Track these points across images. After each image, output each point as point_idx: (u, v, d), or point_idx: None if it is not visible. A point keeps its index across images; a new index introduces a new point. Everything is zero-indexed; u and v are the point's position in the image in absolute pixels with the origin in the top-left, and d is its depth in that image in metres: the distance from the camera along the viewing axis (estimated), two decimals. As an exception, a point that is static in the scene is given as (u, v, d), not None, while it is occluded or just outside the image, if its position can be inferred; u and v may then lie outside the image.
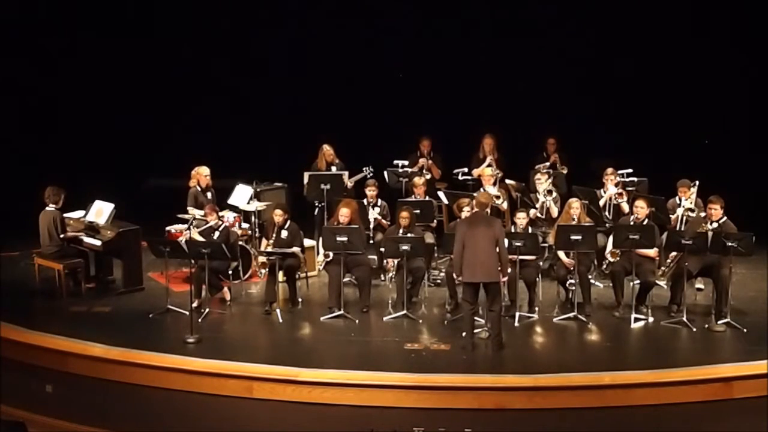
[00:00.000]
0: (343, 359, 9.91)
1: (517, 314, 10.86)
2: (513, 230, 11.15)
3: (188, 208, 12.07)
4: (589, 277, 11.31)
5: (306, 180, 12.65)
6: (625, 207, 11.75)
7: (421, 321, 11.00)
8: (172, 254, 10.86)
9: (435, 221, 12.36)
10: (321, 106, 14.67)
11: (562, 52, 14.44)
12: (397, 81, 15.07)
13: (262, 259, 11.31)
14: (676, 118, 14.24)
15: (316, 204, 12.67)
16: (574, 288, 10.99)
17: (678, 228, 11.33)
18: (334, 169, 12.86)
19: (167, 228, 12.17)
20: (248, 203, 12.39)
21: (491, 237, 10.01)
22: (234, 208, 12.42)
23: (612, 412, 9.27)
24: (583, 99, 14.37)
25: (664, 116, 14.29)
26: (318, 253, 11.92)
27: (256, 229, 12.34)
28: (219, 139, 14.61)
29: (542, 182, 12.14)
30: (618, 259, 10.92)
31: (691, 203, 11.43)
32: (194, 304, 10.70)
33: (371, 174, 12.65)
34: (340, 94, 14.69)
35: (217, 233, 11.28)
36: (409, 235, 11.12)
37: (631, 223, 10.99)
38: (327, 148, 12.97)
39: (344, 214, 11.20)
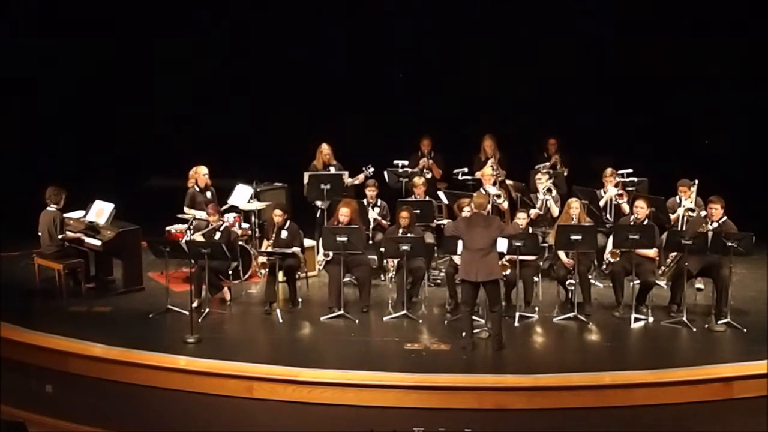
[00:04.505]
0: (343, 359, 9.92)
1: (517, 314, 10.86)
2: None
3: (185, 208, 12.07)
4: (589, 277, 11.32)
5: (306, 180, 12.65)
6: (626, 207, 11.75)
7: (421, 321, 11.00)
8: (172, 254, 10.87)
9: (435, 221, 12.35)
10: (321, 106, 14.66)
11: (563, 52, 14.43)
12: (397, 81, 15.08)
13: (262, 259, 11.30)
14: (676, 118, 14.23)
15: (319, 206, 12.66)
16: (574, 288, 10.99)
17: (678, 228, 11.34)
18: (332, 169, 12.85)
19: (167, 228, 12.18)
20: (248, 203, 12.38)
21: (489, 236, 10.02)
22: (234, 208, 12.42)
23: (612, 412, 9.27)
24: (583, 99, 14.37)
25: (665, 116, 14.29)
26: (318, 253, 11.92)
27: (256, 229, 12.34)
28: (219, 138, 14.61)
29: (542, 182, 12.15)
30: (618, 259, 10.92)
31: (691, 203, 11.43)
32: (194, 304, 10.70)
33: (372, 173, 12.64)
34: (341, 94, 14.67)
35: (218, 234, 11.28)
36: (409, 235, 11.13)
37: (631, 223, 10.99)
38: (325, 148, 12.94)
39: (344, 213, 11.20)
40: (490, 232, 10.05)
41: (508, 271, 10.76)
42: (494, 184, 12.48)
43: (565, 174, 13.17)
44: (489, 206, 11.52)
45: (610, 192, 11.93)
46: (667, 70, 14.22)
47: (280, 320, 10.98)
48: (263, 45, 14.96)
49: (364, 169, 12.69)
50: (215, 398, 9.58)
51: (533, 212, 11.82)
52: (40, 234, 11.63)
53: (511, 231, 10.46)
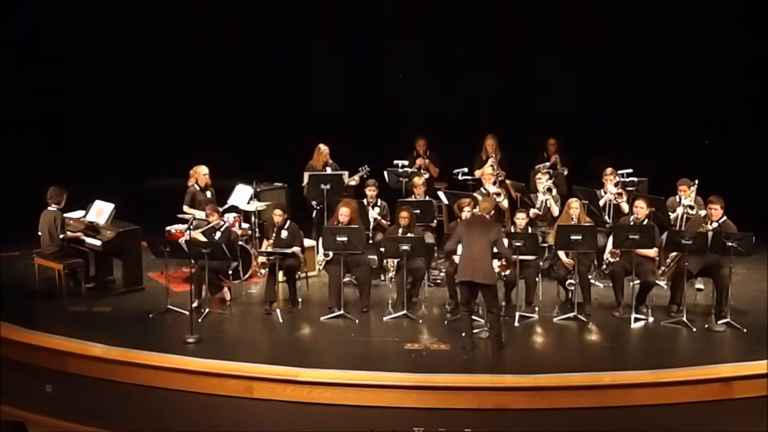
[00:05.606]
0: (343, 359, 9.91)
1: (517, 314, 10.86)
2: (513, 230, 11.15)
3: (184, 206, 12.08)
4: (589, 277, 11.32)
5: (306, 180, 12.66)
6: (625, 207, 11.75)
7: (421, 321, 11.00)
8: (172, 254, 10.86)
9: (435, 221, 12.36)
10: (321, 106, 14.67)
11: (563, 52, 14.44)
12: (397, 81, 15.08)
13: (262, 259, 11.30)
14: (677, 117, 14.24)
15: (314, 206, 12.67)
16: (574, 288, 10.99)
17: (678, 227, 11.34)
18: (328, 169, 12.86)
19: (167, 228, 12.18)
20: (248, 203, 12.39)
21: (487, 239, 9.99)
22: (234, 208, 12.42)
23: (612, 412, 9.27)
24: (583, 99, 14.38)
25: (665, 116, 14.29)
26: (318, 253, 11.92)
27: (256, 229, 12.34)
28: (219, 138, 14.61)
29: (542, 182, 12.16)
30: (618, 259, 10.92)
31: (690, 202, 11.44)
32: (194, 304, 10.70)
33: (368, 173, 12.65)
34: (341, 94, 14.68)
35: (218, 233, 11.28)
36: (409, 235, 11.13)
37: (631, 223, 10.99)
38: (324, 148, 12.96)
39: (344, 213, 11.20)
40: (488, 235, 10.02)
41: (508, 272, 10.75)
42: (494, 183, 12.48)
43: (565, 174, 13.17)
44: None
45: (610, 192, 11.93)
46: (667, 70, 14.23)
47: (280, 320, 10.98)
48: (263, 45, 14.96)
49: (360, 169, 12.69)
50: (215, 398, 9.58)
51: (532, 212, 11.82)
52: (40, 234, 11.64)
53: (506, 252, 10.35)
